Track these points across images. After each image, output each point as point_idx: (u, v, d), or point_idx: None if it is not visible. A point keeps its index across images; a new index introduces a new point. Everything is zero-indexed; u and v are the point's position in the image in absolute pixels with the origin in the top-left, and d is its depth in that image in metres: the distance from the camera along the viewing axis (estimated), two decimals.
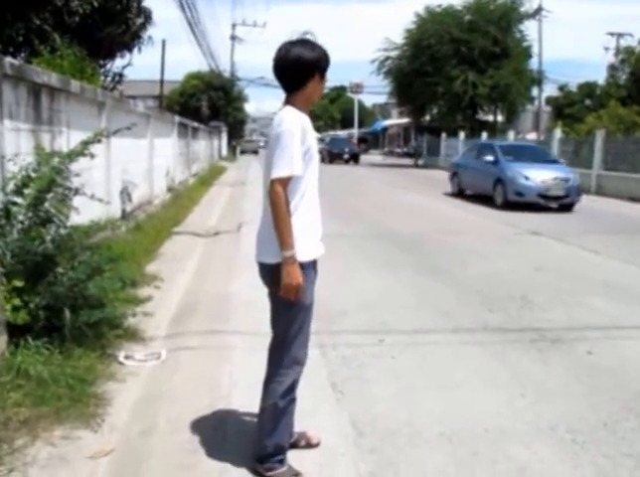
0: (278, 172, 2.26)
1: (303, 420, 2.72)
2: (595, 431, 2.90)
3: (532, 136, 29.87)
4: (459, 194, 15.16)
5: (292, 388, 2.44)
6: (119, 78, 13.71)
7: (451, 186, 15.79)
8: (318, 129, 2.81)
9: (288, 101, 2.42)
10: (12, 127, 4.46)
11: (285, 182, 2.27)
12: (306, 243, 2.36)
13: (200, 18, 34.93)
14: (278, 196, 2.26)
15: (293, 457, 2.52)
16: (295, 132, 2.29)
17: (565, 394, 3.34)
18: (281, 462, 2.44)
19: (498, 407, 3.13)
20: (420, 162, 33.53)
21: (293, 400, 2.47)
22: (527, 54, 31.41)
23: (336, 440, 2.75)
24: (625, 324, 4.65)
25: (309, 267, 2.38)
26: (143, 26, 13.65)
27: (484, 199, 13.53)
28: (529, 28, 32.19)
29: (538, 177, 12.43)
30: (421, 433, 2.84)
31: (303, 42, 2.39)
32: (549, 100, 37.83)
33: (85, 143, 3.99)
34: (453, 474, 2.52)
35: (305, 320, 2.43)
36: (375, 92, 59.30)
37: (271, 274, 2.36)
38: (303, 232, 2.34)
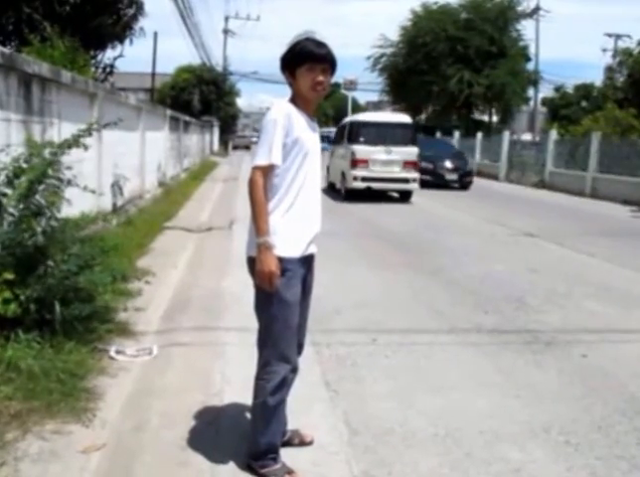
0: (257, 160, 2.30)
1: (297, 418, 2.70)
2: (589, 434, 2.90)
3: (527, 137, 29.97)
4: None
5: (282, 385, 2.38)
6: (110, 69, 13.54)
7: None
8: None
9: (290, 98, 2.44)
10: (3, 117, 4.40)
11: (264, 170, 2.29)
12: (291, 239, 2.33)
13: (192, 10, 34.78)
14: (255, 183, 2.29)
15: (287, 455, 2.49)
16: (278, 121, 2.29)
17: (559, 396, 3.34)
18: (275, 460, 2.42)
19: (492, 409, 3.13)
20: None
21: (284, 399, 2.43)
22: (523, 54, 31.48)
23: (330, 439, 2.73)
24: (619, 327, 4.66)
25: (294, 264, 2.34)
26: (135, 17, 13.49)
27: None
28: (526, 27, 32.24)
29: None
30: (415, 433, 2.82)
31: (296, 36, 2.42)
32: (544, 101, 37.94)
33: (78, 135, 3.93)
34: (447, 475, 2.51)
35: (290, 317, 2.36)
36: (368, 90, 59.26)
37: (250, 267, 2.37)
38: (288, 226, 2.32)
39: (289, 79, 2.41)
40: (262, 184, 2.29)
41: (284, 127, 2.29)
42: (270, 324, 2.36)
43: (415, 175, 13.23)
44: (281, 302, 2.33)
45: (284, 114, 2.31)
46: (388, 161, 12.95)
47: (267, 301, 2.33)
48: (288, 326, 2.37)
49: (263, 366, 2.39)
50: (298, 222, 2.36)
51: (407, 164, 13.01)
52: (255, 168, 2.30)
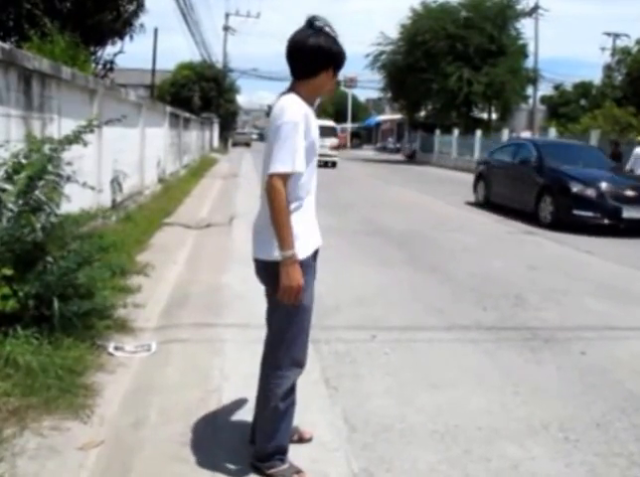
0: (278, 167, 2.12)
1: (296, 415, 2.67)
2: (588, 430, 2.90)
3: (526, 135, 29.96)
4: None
5: (292, 389, 2.36)
6: (110, 65, 13.51)
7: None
8: None
9: (293, 89, 2.28)
10: (2, 113, 4.38)
11: (285, 178, 2.14)
12: (306, 240, 2.27)
13: (193, 7, 34.76)
14: (278, 192, 2.12)
15: None
16: (299, 123, 2.15)
17: (558, 393, 3.34)
18: (282, 460, 2.38)
19: (491, 406, 3.13)
20: (404, 157, 34.77)
21: (293, 402, 2.40)
22: (522, 52, 31.47)
23: (329, 436, 2.73)
24: (618, 324, 4.66)
25: (309, 264, 2.29)
26: (135, 13, 13.46)
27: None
28: (525, 26, 32.26)
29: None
30: (414, 430, 2.82)
31: (326, 33, 2.27)
32: (543, 99, 37.99)
33: (78, 131, 3.92)
34: (446, 471, 2.51)
35: (306, 321, 2.33)
36: (368, 87, 59.16)
37: (267, 272, 2.27)
38: (305, 230, 2.26)
39: (320, 72, 2.25)
40: (285, 193, 2.13)
41: (304, 131, 2.17)
42: (286, 328, 2.30)
43: (336, 153, 24.38)
44: (301, 307, 2.26)
45: (303, 116, 2.17)
46: (323, 146, 21.43)
47: (286, 307, 2.24)
48: (303, 329, 2.33)
49: (274, 369, 2.33)
50: (309, 221, 2.31)
51: (332, 147, 23.76)
52: (277, 175, 2.12)
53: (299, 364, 2.36)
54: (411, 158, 34.89)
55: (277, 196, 2.12)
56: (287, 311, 2.27)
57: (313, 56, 2.23)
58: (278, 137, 2.14)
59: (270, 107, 2.41)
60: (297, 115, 2.16)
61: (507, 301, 5.13)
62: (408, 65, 30.95)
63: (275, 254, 2.19)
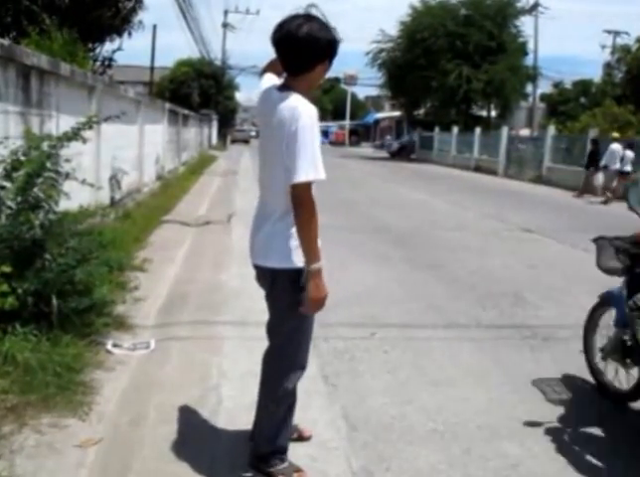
0: (302, 176, 2.01)
1: (295, 413, 2.67)
2: (587, 429, 2.90)
3: (525, 132, 29.99)
4: None
5: (294, 391, 2.37)
6: (109, 62, 13.47)
7: None
8: None
9: (290, 86, 2.14)
10: (1, 109, 4.36)
11: (311, 186, 2.05)
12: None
13: (192, 3, 34.69)
14: (308, 203, 2.04)
15: None
16: (314, 127, 2.06)
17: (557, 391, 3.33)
18: (282, 460, 2.38)
19: (490, 404, 3.13)
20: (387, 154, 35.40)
21: (294, 403, 2.40)
22: (522, 50, 31.47)
23: (328, 434, 2.73)
24: None
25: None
26: (134, 10, 13.41)
27: None
28: (525, 24, 32.16)
29: None
30: (414, 429, 2.82)
31: (317, 20, 2.09)
32: (543, 97, 38.06)
33: (78, 128, 3.91)
34: (446, 470, 2.50)
35: (310, 327, 2.33)
36: (368, 85, 59.14)
37: (274, 280, 2.22)
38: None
39: (316, 65, 2.13)
40: (313, 201, 2.06)
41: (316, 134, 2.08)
42: (292, 336, 2.29)
43: None
44: (305, 314, 2.25)
45: (316, 118, 2.09)
46: None
47: (292, 315, 2.23)
48: (308, 334, 2.34)
49: (281, 373, 2.32)
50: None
51: None
52: (306, 184, 2.03)
53: (303, 367, 2.37)
54: (396, 155, 34.17)
55: (311, 205, 2.06)
56: (294, 319, 2.26)
57: (309, 49, 2.07)
58: (296, 143, 2.03)
59: (266, 99, 2.22)
60: (312, 118, 2.07)
61: (506, 299, 5.12)
62: (408, 62, 30.93)
63: (282, 262, 2.16)
